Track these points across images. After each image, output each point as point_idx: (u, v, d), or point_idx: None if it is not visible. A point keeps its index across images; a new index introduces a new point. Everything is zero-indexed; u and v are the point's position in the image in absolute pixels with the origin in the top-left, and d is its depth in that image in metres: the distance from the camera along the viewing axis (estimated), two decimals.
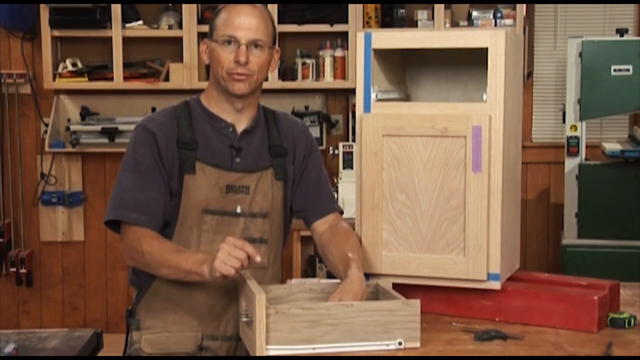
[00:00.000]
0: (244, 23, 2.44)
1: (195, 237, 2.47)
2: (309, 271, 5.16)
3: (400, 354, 2.16)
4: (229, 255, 2.20)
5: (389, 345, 2.17)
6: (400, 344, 2.17)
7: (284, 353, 2.12)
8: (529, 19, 5.38)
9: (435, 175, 2.40)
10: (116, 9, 5.17)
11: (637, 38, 5.16)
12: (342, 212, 2.65)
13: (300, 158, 2.60)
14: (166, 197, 2.45)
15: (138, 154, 2.46)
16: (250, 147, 2.52)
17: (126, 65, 5.25)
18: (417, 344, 2.18)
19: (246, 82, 2.45)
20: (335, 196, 4.96)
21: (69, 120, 5.41)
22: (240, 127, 2.52)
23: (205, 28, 2.52)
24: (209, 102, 2.53)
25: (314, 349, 2.14)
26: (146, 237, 2.40)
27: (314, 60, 5.31)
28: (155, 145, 2.45)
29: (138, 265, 2.47)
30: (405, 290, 2.36)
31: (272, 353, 2.12)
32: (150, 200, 2.43)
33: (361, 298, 2.27)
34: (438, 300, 2.48)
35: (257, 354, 2.11)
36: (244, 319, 2.20)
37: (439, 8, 5.16)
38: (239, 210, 2.49)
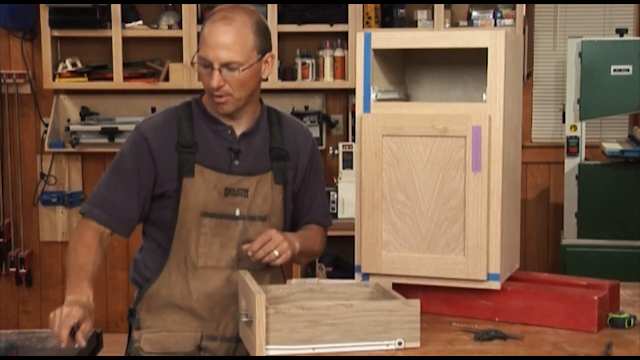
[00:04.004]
0: (216, 43, 2.37)
1: (194, 240, 2.47)
2: (309, 271, 5.16)
3: (400, 354, 2.16)
4: (52, 325, 2.25)
5: (389, 345, 2.17)
6: (400, 344, 2.17)
7: (284, 353, 2.12)
8: (529, 19, 5.38)
9: (435, 175, 2.40)
10: (116, 9, 5.17)
11: (637, 38, 5.16)
12: (327, 227, 2.73)
13: (302, 167, 2.59)
14: (139, 201, 2.47)
15: (124, 154, 2.50)
16: (250, 149, 2.52)
17: (126, 65, 5.24)
18: (417, 344, 2.18)
19: (228, 103, 2.43)
20: (335, 196, 5.01)
21: (68, 120, 5.41)
22: (239, 130, 2.52)
23: None
24: (208, 105, 2.52)
25: (313, 349, 2.14)
26: (79, 241, 2.43)
27: (313, 60, 5.31)
28: (146, 150, 2.46)
29: (67, 253, 2.50)
30: (405, 290, 2.36)
31: (272, 353, 2.12)
32: (116, 201, 2.47)
33: (277, 246, 2.39)
34: (438, 300, 2.48)
35: (257, 354, 2.11)
36: (244, 319, 2.20)
37: (439, 8, 5.16)
38: (237, 213, 2.48)
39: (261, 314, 2.10)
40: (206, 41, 2.39)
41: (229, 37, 2.37)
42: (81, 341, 2.21)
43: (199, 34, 5.09)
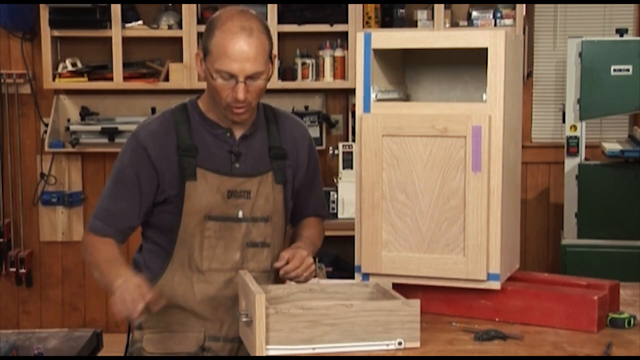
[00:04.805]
0: (241, 56, 2.33)
1: (197, 243, 2.46)
2: None
3: (400, 354, 2.16)
4: (123, 305, 2.26)
5: (389, 345, 2.16)
6: (400, 344, 2.17)
7: (284, 353, 2.12)
8: (529, 19, 5.38)
9: (435, 175, 2.40)
10: (116, 9, 5.17)
11: (637, 38, 5.16)
12: (325, 217, 2.74)
13: (303, 166, 2.59)
14: (140, 210, 2.47)
15: (123, 164, 2.49)
16: (250, 151, 2.51)
17: (126, 65, 5.24)
18: (417, 344, 2.18)
19: (246, 112, 2.42)
20: (335, 196, 5.02)
21: (68, 120, 5.41)
22: (238, 132, 2.50)
23: (204, 28, 2.48)
24: (206, 109, 2.50)
25: (314, 349, 2.14)
26: (96, 246, 2.46)
27: (313, 60, 5.31)
28: (145, 159, 2.44)
29: (88, 265, 2.55)
30: (405, 290, 2.36)
31: (272, 353, 2.12)
32: (118, 212, 2.47)
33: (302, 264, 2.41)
34: (438, 300, 2.48)
35: (257, 354, 2.11)
36: (244, 319, 2.20)
37: (439, 8, 5.16)
38: (240, 215, 2.48)
39: (261, 314, 2.10)
40: (229, 54, 2.33)
41: (253, 49, 2.34)
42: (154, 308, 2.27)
43: (199, 34, 5.13)
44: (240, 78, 2.35)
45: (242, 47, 2.33)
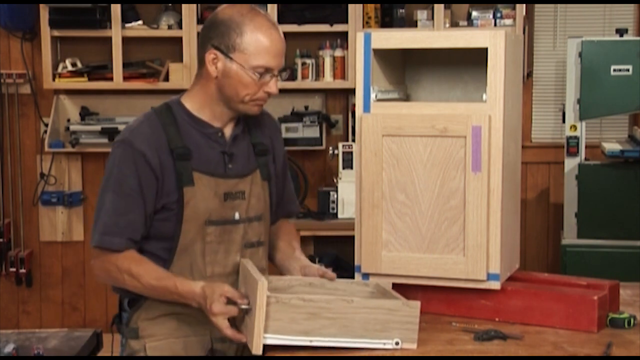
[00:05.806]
0: (278, 51, 2.37)
1: (199, 249, 2.40)
2: None
3: (397, 354, 2.16)
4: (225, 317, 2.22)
5: (386, 345, 2.16)
6: (397, 344, 2.16)
7: (281, 342, 2.12)
8: (529, 19, 5.38)
9: (435, 175, 2.40)
10: (116, 9, 5.17)
11: (637, 38, 5.16)
12: (296, 213, 2.75)
13: (280, 157, 2.58)
14: (147, 219, 2.39)
15: (123, 174, 2.38)
16: (240, 151, 2.46)
17: (126, 65, 5.24)
18: (414, 346, 2.17)
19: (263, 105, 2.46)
20: (335, 196, 5.01)
21: (68, 120, 5.40)
22: (228, 132, 2.45)
23: (217, 29, 2.43)
24: (197, 108, 2.43)
25: (310, 341, 2.13)
26: (125, 259, 2.38)
27: (313, 60, 5.31)
28: (145, 166, 2.36)
29: (116, 283, 2.45)
30: (405, 290, 2.36)
31: (269, 342, 2.11)
32: (129, 225, 2.37)
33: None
34: (438, 300, 2.48)
35: (255, 341, 2.09)
36: (243, 307, 2.17)
37: (439, 8, 5.16)
38: (237, 217, 2.43)
39: (262, 300, 2.08)
40: (270, 50, 2.35)
41: (283, 40, 2.40)
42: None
43: (199, 34, 5.11)
44: (275, 72, 2.39)
45: (278, 42, 2.38)
